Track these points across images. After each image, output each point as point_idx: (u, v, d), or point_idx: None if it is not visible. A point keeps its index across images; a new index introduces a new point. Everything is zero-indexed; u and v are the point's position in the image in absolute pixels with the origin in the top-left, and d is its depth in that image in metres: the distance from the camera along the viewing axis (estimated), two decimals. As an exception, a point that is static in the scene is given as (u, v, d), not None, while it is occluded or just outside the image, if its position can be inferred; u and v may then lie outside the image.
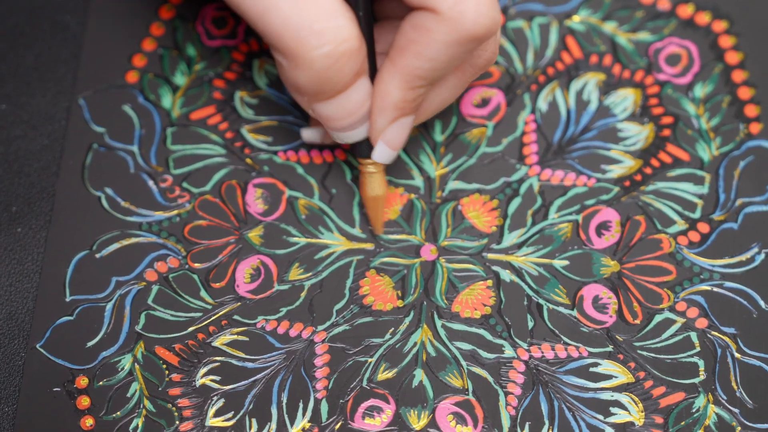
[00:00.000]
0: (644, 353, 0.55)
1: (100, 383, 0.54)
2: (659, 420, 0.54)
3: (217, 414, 0.54)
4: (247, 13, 0.49)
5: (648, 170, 0.58)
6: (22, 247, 0.57)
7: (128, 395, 0.54)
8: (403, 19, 0.50)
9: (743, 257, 0.56)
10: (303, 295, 0.56)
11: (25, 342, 0.55)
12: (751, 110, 0.59)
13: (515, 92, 0.59)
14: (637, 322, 0.55)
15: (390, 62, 0.51)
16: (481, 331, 0.55)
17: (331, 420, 0.54)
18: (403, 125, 0.53)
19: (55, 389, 0.54)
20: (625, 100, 0.59)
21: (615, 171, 0.58)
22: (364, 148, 0.54)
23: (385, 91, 0.51)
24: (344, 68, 0.49)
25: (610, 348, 0.55)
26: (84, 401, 0.54)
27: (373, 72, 0.52)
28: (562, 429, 0.53)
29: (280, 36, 0.48)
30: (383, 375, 0.54)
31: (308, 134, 0.56)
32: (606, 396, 0.54)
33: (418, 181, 0.58)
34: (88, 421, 0.54)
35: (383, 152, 0.53)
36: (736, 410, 0.54)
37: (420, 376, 0.54)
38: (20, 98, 0.59)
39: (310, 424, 0.54)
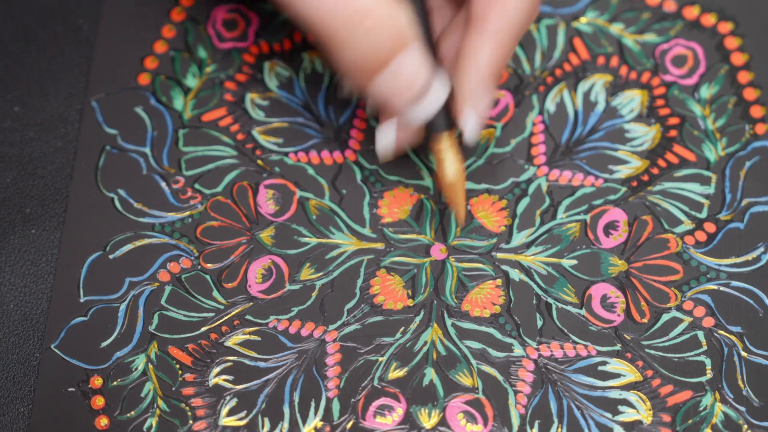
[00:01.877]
0: (652, 352, 0.54)
1: (115, 383, 0.54)
2: (667, 418, 0.53)
3: (230, 413, 0.53)
4: (284, 4, 0.48)
5: (655, 170, 0.57)
6: (37, 249, 0.56)
7: (142, 395, 0.53)
8: None
9: (749, 257, 0.55)
10: (314, 294, 0.55)
11: (40, 342, 0.54)
12: (756, 111, 0.58)
13: (523, 93, 0.58)
14: (645, 321, 0.54)
15: (477, 24, 0.49)
16: (491, 330, 0.54)
17: (342, 419, 0.53)
18: (491, 94, 0.51)
19: (69, 389, 0.53)
20: (631, 101, 0.58)
21: (622, 171, 0.57)
22: (441, 121, 0.51)
23: (480, 55, 0.50)
24: (376, 43, 0.47)
25: (618, 347, 0.54)
26: (98, 401, 0.53)
27: (428, 40, 0.51)
28: (571, 427, 0.53)
29: (312, 22, 0.47)
30: (394, 374, 0.54)
31: (383, 142, 0.53)
32: (614, 394, 0.53)
33: (428, 181, 0.57)
34: (103, 421, 0.53)
35: (471, 121, 0.51)
36: (743, 408, 0.53)
37: (430, 374, 0.54)
38: (33, 101, 0.58)
39: (322, 423, 0.53)
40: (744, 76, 0.59)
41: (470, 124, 0.51)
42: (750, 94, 0.58)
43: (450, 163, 0.52)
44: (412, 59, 0.49)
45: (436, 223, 0.56)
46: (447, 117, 0.52)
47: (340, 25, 0.47)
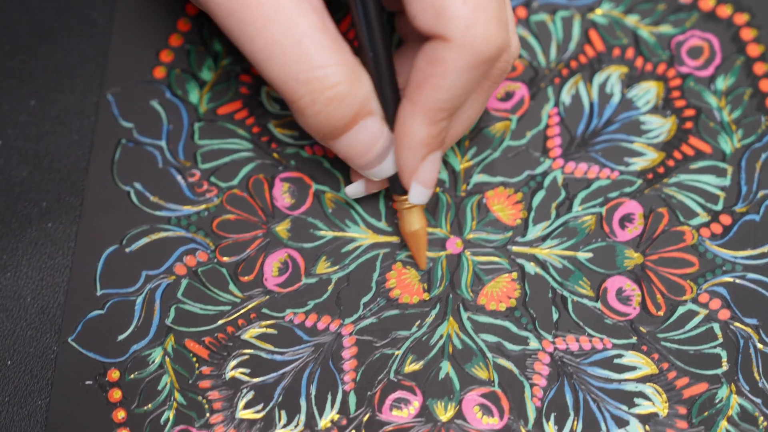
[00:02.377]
0: (668, 344, 0.53)
1: (132, 376, 0.53)
2: (683, 411, 0.52)
3: (246, 406, 0.53)
4: (252, 62, 0.48)
5: (671, 162, 0.56)
6: (53, 242, 0.56)
7: (159, 388, 0.53)
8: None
9: (765, 248, 0.55)
10: (330, 288, 0.54)
11: (57, 336, 0.54)
12: (772, 102, 0.57)
13: (539, 85, 0.58)
14: (661, 313, 0.54)
15: (408, 101, 0.49)
16: (507, 324, 0.54)
17: (359, 412, 0.52)
18: (433, 162, 0.51)
19: (87, 382, 0.53)
20: (647, 92, 0.57)
21: (638, 163, 0.56)
22: (397, 185, 0.52)
23: (410, 131, 0.49)
24: (336, 113, 0.48)
25: (633, 339, 0.53)
26: (116, 394, 0.53)
27: (394, 105, 0.50)
28: (587, 420, 0.52)
29: (275, 86, 0.48)
30: (410, 367, 0.53)
31: (351, 190, 0.54)
32: (630, 387, 0.53)
33: (443, 174, 0.57)
34: (120, 414, 0.53)
35: (419, 193, 0.51)
36: (759, 400, 0.53)
37: (446, 368, 0.53)
38: (49, 94, 0.58)
39: (338, 416, 0.52)
40: (760, 68, 0.58)
41: (414, 194, 0.51)
42: (766, 85, 0.58)
43: (408, 221, 0.53)
44: (369, 129, 0.49)
45: (452, 216, 0.55)
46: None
47: (303, 93, 0.47)
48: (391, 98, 0.50)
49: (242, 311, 0.54)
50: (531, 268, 0.55)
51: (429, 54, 0.48)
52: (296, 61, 0.47)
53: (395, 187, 0.52)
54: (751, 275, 0.54)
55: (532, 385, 0.53)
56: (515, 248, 0.55)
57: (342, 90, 0.48)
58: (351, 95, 0.48)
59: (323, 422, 0.52)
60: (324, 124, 0.49)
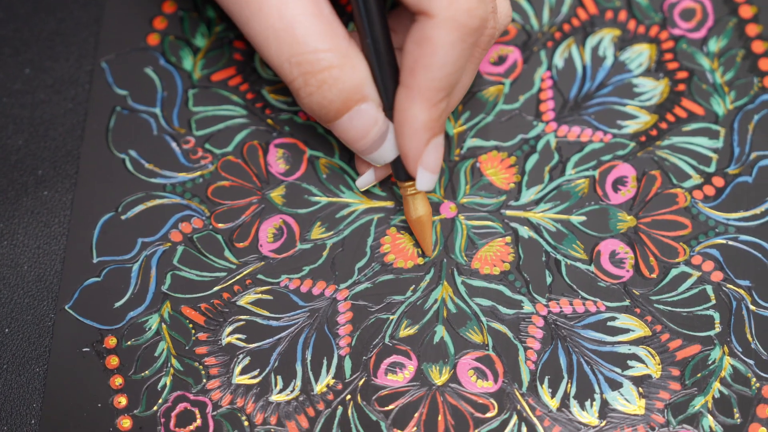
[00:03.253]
0: (661, 307, 0.52)
1: (129, 343, 0.52)
2: (676, 372, 0.51)
3: (243, 372, 0.52)
4: (251, 43, 0.49)
5: (663, 125, 0.55)
6: (49, 210, 0.55)
7: (156, 354, 0.52)
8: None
9: (758, 210, 0.54)
10: (325, 253, 0.54)
11: (54, 303, 0.53)
12: (765, 64, 0.56)
13: (531, 49, 0.57)
14: (654, 276, 0.53)
15: (404, 87, 0.48)
16: (501, 287, 0.53)
17: (354, 376, 0.52)
18: (437, 146, 0.50)
19: (84, 349, 0.52)
20: (640, 55, 0.56)
21: (631, 126, 0.55)
22: (400, 171, 0.51)
23: (410, 117, 0.48)
24: (328, 95, 0.48)
25: (627, 302, 0.52)
26: (113, 361, 0.52)
27: (391, 92, 0.49)
28: (581, 383, 0.51)
29: (273, 68, 0.49)
30: (405, 332, 0.52)
31: (362, 182, 0.53)
32: (623, 349, 0.52)
33: (437, 139, 0.55)
34: (117, 380, 0.52)
35: (425, 178, 0.50)
36: (751, 362, 0.52)
37: (441, 332, 0.52)
38: (44, 63, 0.57)
39: (334, 380, 0.52)
40: (752, 29, 0.57)
41: (421, 181, 0.50)
42: (758, 47, 0.56)
43: (413, 207, 0.52)
44: (365, 113, 0.49)
45: (446, 181, 0.54)
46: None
47: (297, 75, 0.48)
48: (390, 85, 0.49)
49: (238, 277, 0.53)
50: (524, 231, 0.54)
51: (416, 35, 0.47)
52: (289, 45, 0.47)
53: (399, 173, 0.51)
54: (743, 237, 0.53)
55: (526, 349, 0.52)
56: (509, 212, 0.54)
57: (334, 74, 0.47)
58: (343, 79, 0.48)
59: (319, 387, 0.52)
60: (317, 106, 0.48)
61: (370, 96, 0.49)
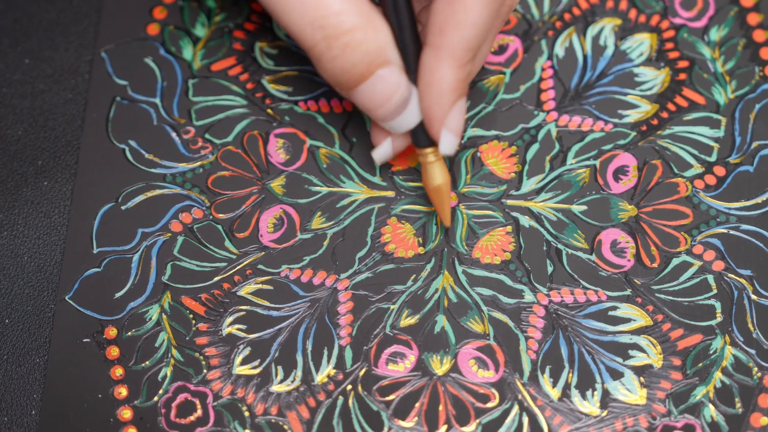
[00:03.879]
0: (662, 296, 0.52)
1: (129, 333, 0.52)
2: (677, 362, 0.51)
3: (243, 362, 0.51)
4: (270, 12, 0.47)
5: (664, 114, 0.54)
6: (49, 201, 0.54)
7: (156, 345, 0.52)
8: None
9: (759, 199, 0.53)
10: (325, 243, 0.53)
11: (55, 294, 0.53)
12: (766, 53, 0.56)
13: (532, 38, 0.56)
14: (655, 265, 0.52)
15: (432, 47, 0.47)
16: (502, 277, 0.52)
17: (355, 366, 0.51)
18: (460, 109, 0.49)
19: (84, 340, 0.52)
20: (641, 44, 0.56)
21: (632, 116, 0.55)
22: (421, 137, 0.50)
23: (438, 77, 0.47)
24: (351, 58, 0.47)
25: (628, 292, 0.52)
26: (113, 351, 0.51)
27: (415, 56, 0.48)
28: (582, 372, 0.51)
29: (294, 34, 0.47)
30: (406, 321, 0.52)
31: (379, 154, 0.52)
32: (625, 339, 0.51)
33: (437, 128, 0.54)
34: (118, 371, 0.51)
35: (449, 141, 0.49)
36: (753, 351, 0.51)
37: (442, 321, 0.51)
38: (43, 53, 0.56)
39: (335, 370, 0.51)
40: (753, 18, 0.56)
41: (445, 143, 0.49)
42: (760, 35, 0.56)
43: (432, 175, 0.50)
44: (388, 77, 0.48)
45: (446, 170, 0.54)
46: (427, 133, 0.50)
47: (319, 39, 0.47)
48: (412, 49, 0.48)
49: (238, 267, 0.53)
50: (525, 221, 0.53)
51: None
52: (312, 8, 0.46)
53: (419, 139, 0.50)
54: (744, 226, 0.53)
55: (527, 338, 0.51)
56: (510, 201, 0.53)
57: (357, 36, 0.46)
58: (366, 42, 0.46)
59: (320, 377, 0.51)
60: (340, 71, 0.47)
61: (393, 59, 0.48)
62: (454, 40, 0.46)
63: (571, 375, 0.51)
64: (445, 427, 0.50)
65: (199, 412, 0.50)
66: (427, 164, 0.50)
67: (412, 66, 0.48)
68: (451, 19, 0.46)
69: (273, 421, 0.50)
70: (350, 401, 0.50)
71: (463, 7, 0.46)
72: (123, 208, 0.53)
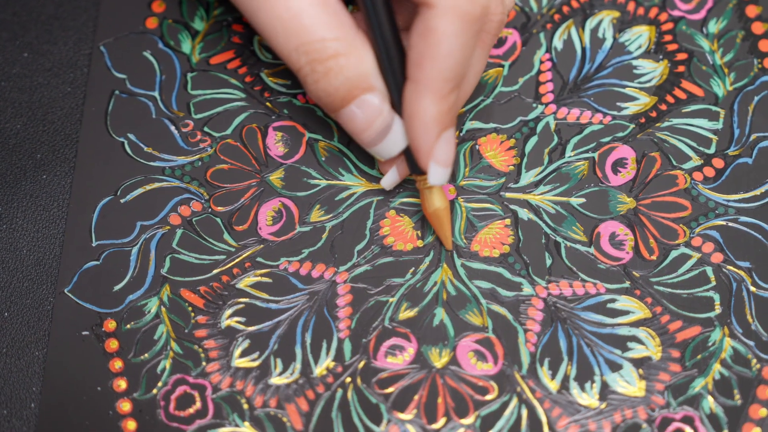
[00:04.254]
0: (661, 288, 0.51)
1: (128, 326, 0.52)
2: (676, 354, 0.50)
3: (242, 354, 0.51)
4: (259, 34, 0.49)
5: (663, 107, 0.54)
6: (48, 194, 0.54)
7: (155, 337, 0.51)
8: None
9: (758, 191, 0.53)
10: (324, 236, 0.53)
11: (54, 287, 0.52)
12: (765, 45, 0.55)
13: (531, 31, 0.56)
14: (654, 258, 0.52)
15: (412, 81, 0.47)
16: (500, 270, 0.52)
17: (354, 359, 0.51)
18: (448, 140, 0.49)
19: (83, 333, 0.51)
20: (639, 37, 0.55)
21: (630, 108, 0.54)
22: (414, 165, 0.50)
23: (420, 111, 0.48)
24: (333, 83, 0.47)
25: (627, 284, 0.51)
26: (112, 344, 0.51)
27: (398, 84, 0.48)
28: (581, 364, 0.50)
29: (281, 57, 0.48)
30: (405, 314, 0.51)
31: (386, 182, 0.52)
32: (623, 331, 0.51)
33: (436, 121, 0.54)
34: (117, 364, 0.51)
35: (437, 173, 0.49)
36: (752, 343, 0.51)
37: (441, 314, 0.51)
38: (42, 46, 0.56)
39: (334, 363, 0.51)
40: (752, 10, 0.56)
41: (433, 175, 0.49)
42: (758, 28, 0.56)
43: (429, 201, 0.51)
44: (369, 103, 0.48)
45: (445, 163, 0.53)
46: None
47: (304, 63, 0.47)
48: (398, 79, 0.48)
49: (237, 260, 0.52)
50: (524, 213, 0.53)
51: (420, 28, 0.46)
52: (296, 34, 0.46)
53: (413, 166, 0.50)
54: (743, 218, 0.52)
55: (525, 331, 0.51)
56: (508, 194, 0.53)
57: (340, 62, 0.47)
58: (349, 67, 0.47)
59: (318, 370, 0.51)
60: (323, 93, 0.48)
61: (376, 86, 0.48)
62: (432, 72, 0.46)
63: (569, 367, 0.50)
64: (444, 419, 0.50)
65: (198, 404, 0.50)
66: (423, 190, 0.51)
67: (397, 96, 0.48)
68: (426, 52, 0.46)
69: (272, 413, 0.50)
70: (349, 394, 0.50)
71: (436, 39, 0.46)
72: (122, 201, 0.53)
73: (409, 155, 0.50)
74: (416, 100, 0.47)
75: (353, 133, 0.49)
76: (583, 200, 0.53)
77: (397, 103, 0.49)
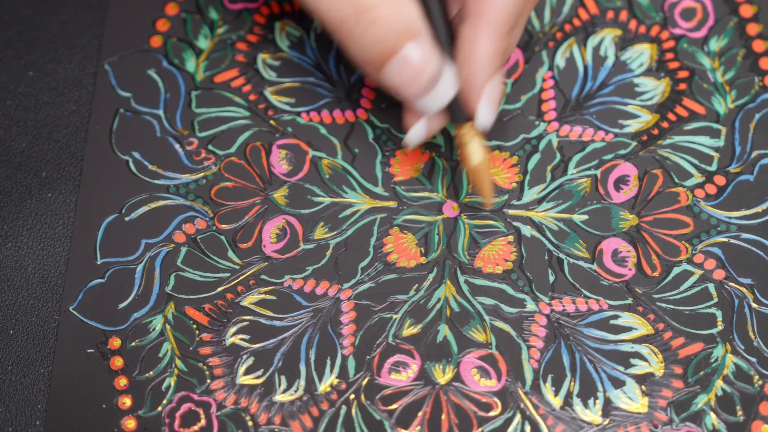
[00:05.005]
0: (663, 305, 0.52)
1: (133, 344, 0.52)
2: (679, 370, 0.51)
3: (247, 372, 0.51)
4: None
5: (665, 124, 0.55)
6: (53, 212, 0.54)
7: (160, 355, 0.51)
8: None
9: (759, 208, 0.53)
10: (328, 253, 0.53)
11: (59, 305, 0.53)
12: (765, 63, 0.56)
13: (533, 49, 0.56)
14: (656, 274, 0.52)
15: (472, 18, 0.47)
16: (503, 286, 0.52)
17: (358, 376, 0.51)
18: (497, 83, 0.49)
19: (88, 350, 0.52)
20: (641, 55, 0.56)
21: (632, 126, 0.54)
22: (459, 113, 0.49)
23: (478, 48, 0.47)
24: (381, 32, 0.46)
25: (629, 300, 0.52)
26: (117, 362, 0.51)
27: (445, 30, 0.48)
28: (584, 381, 0.51)
29: (323, 11, 0.47)
30: (408, 331, 0.51)
31: (412, 136, 0.51)
32: (626, 348, 0.51)
33: (439, 139, 0.55)
34: (122, 381, 0.51)
35: (487, 113, 0.49)
36: (754, 359, 0.51)
37: (444, 331, 0.51)
38: (47, 65, 0.57)
39: (338, 380, 0.51)
40: (753, 28, 0.56)
41: (483, 115, 0.49)
42: (759, 46, 0.56)
43: (471, 151, 0.50)
44: (418, 51, 0.47)
45: (448, 180, 0.54)
46: (463, 108, 0.49)
47: (346, 17, 0.46)
48: (441, 23, 0.48)
49: (241, 278, 0.53)
50: (527, 230, 0.53)
51: None
52: None
53: (457, 114, 0.49)
54: (745, 235, 0.53)
55: (529, 347, 0.51)
56: (511, 211, 0.53)
57: (385, 11, 0.46)
58: (395, 15, 0.46)
59: (323, 387, 0.51)
60: (370, 43, 0.47)
61: (423, 32, 0.47)
62: (495, 8, 0.46)
63: (572, 383, 0.51)
64: (447, 436, 0.50)
65: (203, 421, 0.50)
66: (463, 144, 0.50)
67: (443, 41, 0.48)
68: None
69: (276, 430, 0.50)
70: (353, 411, 0.50)
71: None
72: (126, 219, 0.53)
73: (454, 104, 0.49)
74: (475, 37, 0.47)
75: (401, 85, 0.48)
76: (585, 217, 0.53)
77: (443, 48, 0.48)
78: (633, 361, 0.51)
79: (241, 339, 0.52)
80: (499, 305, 0.52)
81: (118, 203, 0.54)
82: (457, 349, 0.51)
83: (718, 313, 0.51)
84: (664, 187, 0.53)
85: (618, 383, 0.50)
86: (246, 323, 0.52)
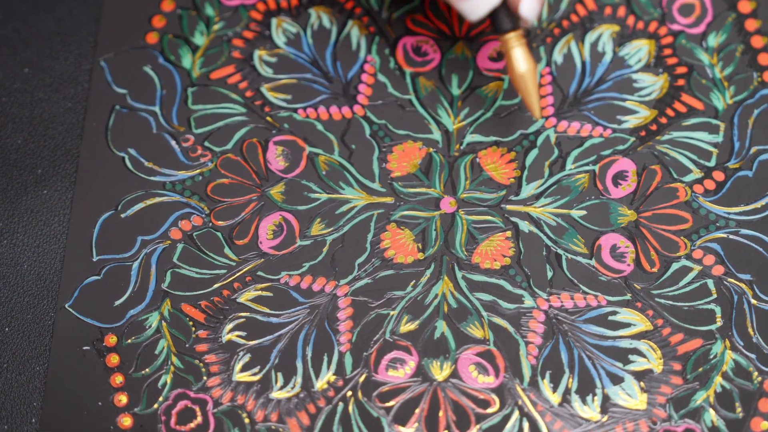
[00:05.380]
0: (662, 301, 0.51)
1: (129, 341, 0.52)
2: (677, 367, 0.50)
3: (243, 369, 0.51)
4: None
5: (663, 120, 0.54)
6: (49, 209, 0.54)
7: (156, 352, 0.51)
8: None
9: (758, 204, 0.53)
10: (325, 250, 0.53)
11: (54, 302, 0.52)
12: (764, 59, 0.55)
13: (531, 45, 0.56)
14: (655, 270, 0.52)
15: None
16: (501, 282, 0.52)
17: (355, 373, 0.51)
18: None
19: (84, 348, 0.51)
20: (639, 51, 0.55)
21: (630, 121, 0.54)
22: (503, 18, 0.49)
23: None
24: None
25: (628, 296, 0.51)
26: (113, 359, 0.51)
27: None
28: (582, 377, 0.50)
29: None
30: (406, 327, 0.51)
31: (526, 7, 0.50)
32: (625, 344, 0.51)
33: (437, 134, 0.55)
34: (118, 379, 0.51)
35: (531, 4, 0.49)
36: (753, 356, 0.51)
37: (442, 327, 0.51)
38: (43, 62, 0.56)
39: (335, 377, 0.51)
40: (751, 24, 0.56)
41: (526, 5, 0.49)
42: (757, 41, 0.56)
43: (516, 60, 0.50)
44: None
45: (446, 176, 0.54)
46: (510, 17, 0.49)
47: None
48: None
49: (237, 274, 0.52)
50: (525, 226, 0.53)
51: None
52: None
53: (502, 22, 0.50)
54: (744, 231, 0.53)
55: (527, 343, 0.51)
56: (509, 207, 0.53)
57: None
58: None
59: (320, 383, 0.51)
60: None
61: None
62: None
63: (571, 380, 0.50)
64: (445, 432, 0.50)
65: (200, 419, 0.50)
66: (510, 50, 0.50)
67: None
68: None
69: (273, 427, 0.50)
70: (350, 407, 0.50)
71: None
72: (122, 216, 0.53)
73: (499, 12, 0.49)
74: None
75: None
76: (583, 212, 0.53)
77: None
78: (632, 357, 0.51)
79: (238, 336, 0.51)
80: (497, 301, 0.52)
81: (114, 200, 0.54)
82: (454, 346, 0.51)
83: (717, 309, 0.51)
84: (662, 183, 0.53)
85: (617, 380, 0.50)
86: (242, 320, 0.52)
